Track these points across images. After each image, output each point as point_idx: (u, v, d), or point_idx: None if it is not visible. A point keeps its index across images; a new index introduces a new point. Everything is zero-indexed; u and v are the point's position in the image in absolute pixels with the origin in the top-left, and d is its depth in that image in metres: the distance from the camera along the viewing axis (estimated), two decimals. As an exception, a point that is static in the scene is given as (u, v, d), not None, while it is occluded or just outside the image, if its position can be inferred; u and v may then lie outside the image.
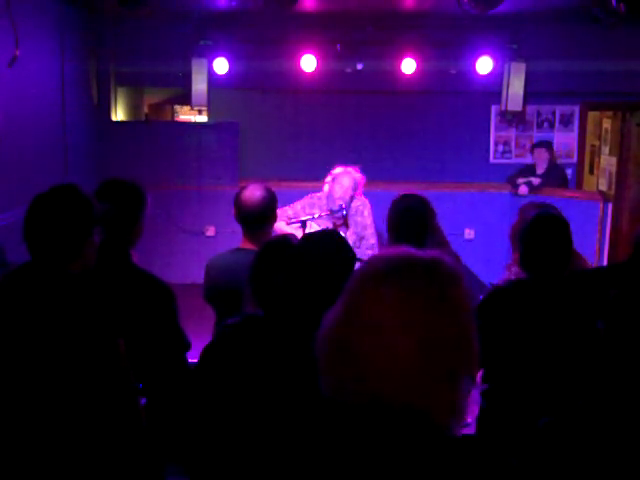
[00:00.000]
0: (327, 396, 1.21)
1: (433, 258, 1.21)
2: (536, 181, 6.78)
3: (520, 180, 6.83)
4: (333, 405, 1.19)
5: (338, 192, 4.54)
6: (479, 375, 2.77)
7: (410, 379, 1.13)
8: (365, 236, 4.64)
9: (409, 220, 3.03)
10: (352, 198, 4.61)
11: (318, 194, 4.73)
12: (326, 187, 4.67)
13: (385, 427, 1.14)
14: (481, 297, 2.96)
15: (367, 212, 4.70)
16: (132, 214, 2.56)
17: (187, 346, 2.52)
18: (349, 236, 4.46)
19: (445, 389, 1.16)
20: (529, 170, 6.97)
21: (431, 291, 1.16)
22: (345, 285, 1.23)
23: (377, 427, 1.14)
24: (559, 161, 7.32)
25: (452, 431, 1.17)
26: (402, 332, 1.13)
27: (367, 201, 4.73)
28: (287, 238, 2.11)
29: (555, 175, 6.90)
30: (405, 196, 3.17)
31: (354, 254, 2.12)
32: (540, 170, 6.91)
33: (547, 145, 7.00)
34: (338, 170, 4.66)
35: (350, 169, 4.66)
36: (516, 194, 6.73)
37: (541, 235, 2.62)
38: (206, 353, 2.03)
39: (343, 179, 4.58)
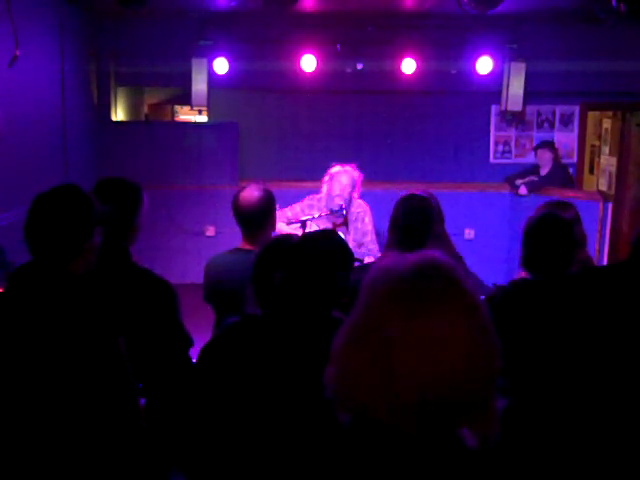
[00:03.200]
0: (348, 415, 1.17)
1: (435, 261, 1.19)
2: (534, 180, 6.78)
3: (519, 181, 6.83)
4: (359, 421, 1.16)
5: (336, 190, 4.53)
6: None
7: (458, 391, 1.11)
8: (365, 243, 4.61)
9: (411, 220, 3.02)
10: (351, 197, 4.60)
11: (317, 195, 4.73)
12: (324, 187, 4.67)
13: (422, 444, 1.12)
14: (482, 297, 2.96)
15: (367, 219, 4.68)
16: (129, 212, 2.56)
17: (189, 343, 2.53)
18: (348, 242, 4.45)
19: (486, 401, 1.14)
20: (533, 171, 6.97)
21: (457, 297, 1.15)
22: (361, 301, 1.19)
23: (412, 444, 1.12)
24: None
25: (490, 443, 1.15)
26: (447, 345, 1.11)
27: (368, 208, 4.71)
28: (289, 238, 2.11)
29: (560, 175, 6.90)
30: (412, 196, 3.14)
31: (352, 254, 2.12)
32: (544, 171, 6.90)
33: (550, 145, 6.99)
34: (336, 169, 4.66)
35: (348, 167, 4.65)
36: (517, 194, 6.74)
37: (543, 236, 2.62)
38: (205, 353, 2.03)
39: (341, 177, 4.58)
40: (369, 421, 1.14)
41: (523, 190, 6.72)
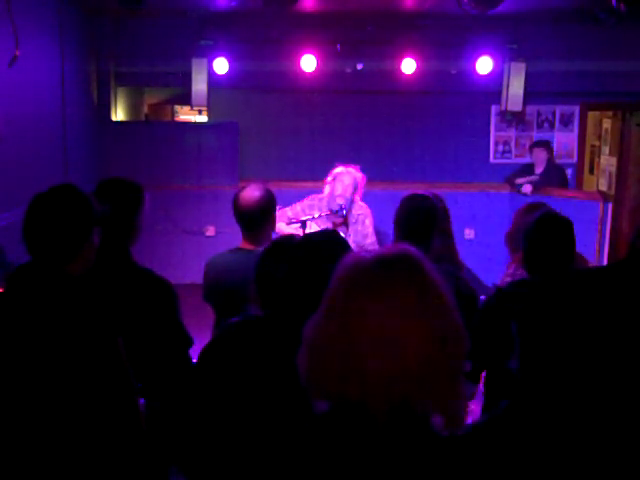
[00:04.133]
0: (319, 406, 1.21)
1: (405, 252, 1.24)
2: (535, 179, 6.78)
3: (520, 180, 6.81)
4: (334, 414, 1.20)
5: (339, 190, 4.54)
6: (481, 376, 2.77)
7: (422, 379, 1.15)
8: (365, 245, 4.61)
9: (415, 220, 3.02)
10: (353, 198, 4.60)
11: (318, 195, 4.73)
12: (327, 188, 4.67)
13: (386, 429, 1.15)
14: (482, 297, 2.96)
15: (368, 221, 4.68)
16: (130, 213, 2.56)
17: (189, 343, 2.53)
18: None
19: (451, 385, 1.18)
20: (528, 170, 6.96)
21: (421, 286, 1.19)
22: (328, 295, 1.25)
23: (376, 429, 1.15)
24: (559, 161, 7.32)
25: (450, 430, 1.19)
26: (408, 333, 1.15)
27: (369, 210, 4.71)
28: (291, 238, 2.10)
29: (554, 175, 6.89)
30: (416, 196, 3.14)
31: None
32: (539, 170, 6.90)
33: (546, 145, 6.99)
34: (339, 169, 4.66)
35: (351, 168, 4.66)
36: (519, 193, 6.68)
37: (545, 235, 2.62)
38: (206, 354, 2.03)
39: (344, 178, 4.59)
40: (342, 407, 1.18)
41: (527, 189, 6.66)
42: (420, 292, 1.19)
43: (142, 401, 2.13)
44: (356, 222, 4.65)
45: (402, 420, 1.16)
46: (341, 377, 1.17)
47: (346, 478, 1.15)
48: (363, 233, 4.65)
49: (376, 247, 4.59)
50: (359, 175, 4.64)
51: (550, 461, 1.55)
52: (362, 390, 1.16)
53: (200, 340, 2.51)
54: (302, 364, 1.25)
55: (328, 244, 2.02)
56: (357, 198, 4.65)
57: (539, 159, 6.92)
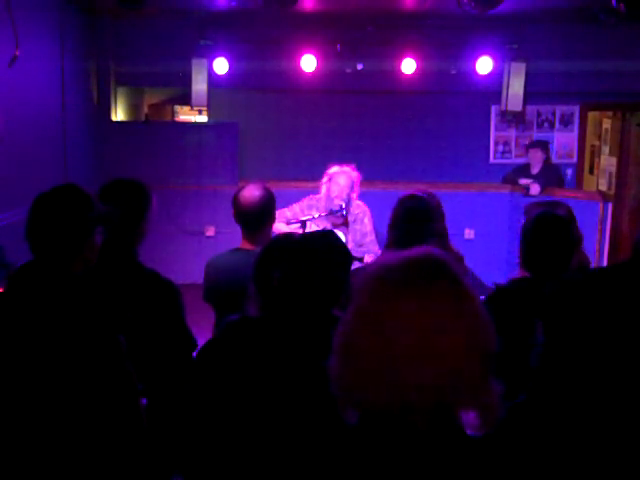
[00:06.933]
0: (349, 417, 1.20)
1: (431, 256, 1.23)
2: (540, 179, 6.74)
3: (523, 181, 6.73)
4: (365, 414, 1.18)
5: (335, 191, 4.53)
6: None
7: (455, 380, 1.14)
8: (365, 244, 4.61)
9: (411, 220, 3.02)
10: (350, 197, 4.60)
11: (317, 196, 4.72)
12: (323, 188, 4.66)
13: (416, 431, 1.14)
14: (482, 297, 2.96)
15: (367, 220, 4.67)
16: (137, 213, 2.58)
17: (194, 344, 2.53)
18: (347, 243, 4.45)
19: (484, 384, 1.17)
20: (524, 170, 6.94)
21: (450, 288, 1.18)
22: (357, 297, 1.22)
23: (416, 437, 1.14)
24: (559, 161, 7.32)
25: (491, 427, 1.18)
26: (442, 333, 1.14)
27: (367, 209, 4.71)
28: (289, 237, 2.10)
29: (551, 175, 6.88)
30: (412, 196, 3.14)
31: (350, 253, 2.11)
32: (535, 170, 6.89)
33: (542, 145, 6.98)
34: (334, 169, 4.65)
35: (346, 168, 4.65)
36: (527, 194, 6.52)
37: (542, 234, 2.62)
38: (203, 354, 2.02)
39: (339, 178, 4.58)
40: (374, 415, 1.15)
41: (535, 189, 6.51)
42: (451, 291, 1.17)
43: (144, 401, 2.13)
44: (354, 221, 4.64)
45: (442, 426, 1.14)
46: (377, 384, 1.15)
47: None
48: (362, 232, 4.65)
49: (376, 245, 4.59)
50: (355, 174, 4.63)
51: (576, 460, 1.55)
52: (399, 397, 1.13)
53: (200, 340, 2.51)
54: (334, 371, 1.21)
55: (324, 247, 2.01)
56: (354, 197, 4.65)
57: (535, 159, 6.91)
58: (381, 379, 1.14)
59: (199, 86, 6.53)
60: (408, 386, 1.13)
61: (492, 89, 6.90)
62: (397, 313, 1.15)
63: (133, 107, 7.98)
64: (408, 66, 6.66)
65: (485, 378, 1.17)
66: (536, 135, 7.39)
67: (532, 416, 1.59)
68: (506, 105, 6.81)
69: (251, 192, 3.06)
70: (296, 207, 4.71)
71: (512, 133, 7.44)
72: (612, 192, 7.03)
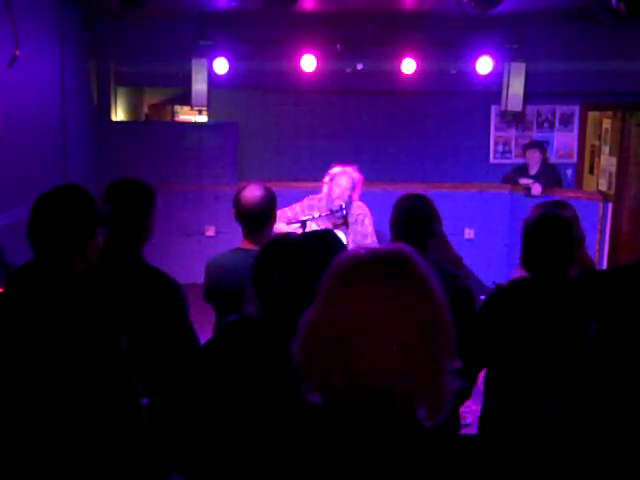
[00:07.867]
0: (312, 398, 1.23)
1: (399, 249, 1.27)
2: (541, 179, 6.74)
3: (523, 181, 6.73)
4: (325, 407, 1.21)
5: (336, 192, 4.53)
6: (481, 375, 2.77)
7: (405, 369, 1.16)
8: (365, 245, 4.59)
9: (412, 220, 3.02)
10: (351, 198, 4.60)
11: (318, 196, 4.72)
12: (324, 188, 4.66)
13: (376, 419, 1.17)
14: (482, 297, 2.96)
15: (368, 221, 4.66)
16: (142, 214, 2.58)
17: (197, 344, 2.53)
18: (348, 244, 4.45)
19: (435, 377, 1.19)
20: (522, 170, 6.95)
21: (410, 279, 1.21)
22: (322, 286, 1.26)
23: (371, 420, 1.17)
24: (560, 161, 7.32)
25: (432, 421, 1.20)
26: (395, 323, 1.16)
27: (368, 210, 4.70)
28: (289, 236, 2.10)
29: (549, 175, 6.88)
30: (410, 196, 3.16)
31: None
32: (533, 170, 6.89)
33: (539, 146, 6.98)
34: (336, 170, 4.65)
35: (348, 168, 4.64)
36: (528, 195, 6.51)
37: (543, 235, 2.62)
38: (204, 353, 2.02)
39: (341, 179, 4.57)
40: (331, 397, 1.19)
41: (537, 189, 6.51)
42: (406, 281, 1.20)
43: (145, 401, 2.13)
44: (355, 222, 4.64)
45: (384, 410, 1.17)
46: (327, 366, 1.18)
47: (334, 470, 1.16)
48: (363, 233, 4.64)
49: (377, 246, 4.58)
50: (356, 175, 4.62)
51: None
52: (345, 380, 1.16)
53: (200, 340, 2.51)
54: (295, 355, 1.26)
55: (322, 247, 2.01)
56: (355, 198, 4.64)
57: (533, 160, 6.91)
58: (329, 363, 1.18)
59: (199, 86, 6.53)
60: (354, 371, 1.16)
61: (492, 89, 6.90)
62: (345, 298, 1.19)
63: (133, 107, 7.98)
64: (408, 66, 6.66)
65: (436, 371, 1.19)
66: (536, 135, 7.39)
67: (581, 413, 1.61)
68: (506, 105, 6.81)
69: (252, 192, 3.06)
70: (297, 207, 4.71)
71: (512, 133, 7.44)
72: (612, 192, 7.03)
